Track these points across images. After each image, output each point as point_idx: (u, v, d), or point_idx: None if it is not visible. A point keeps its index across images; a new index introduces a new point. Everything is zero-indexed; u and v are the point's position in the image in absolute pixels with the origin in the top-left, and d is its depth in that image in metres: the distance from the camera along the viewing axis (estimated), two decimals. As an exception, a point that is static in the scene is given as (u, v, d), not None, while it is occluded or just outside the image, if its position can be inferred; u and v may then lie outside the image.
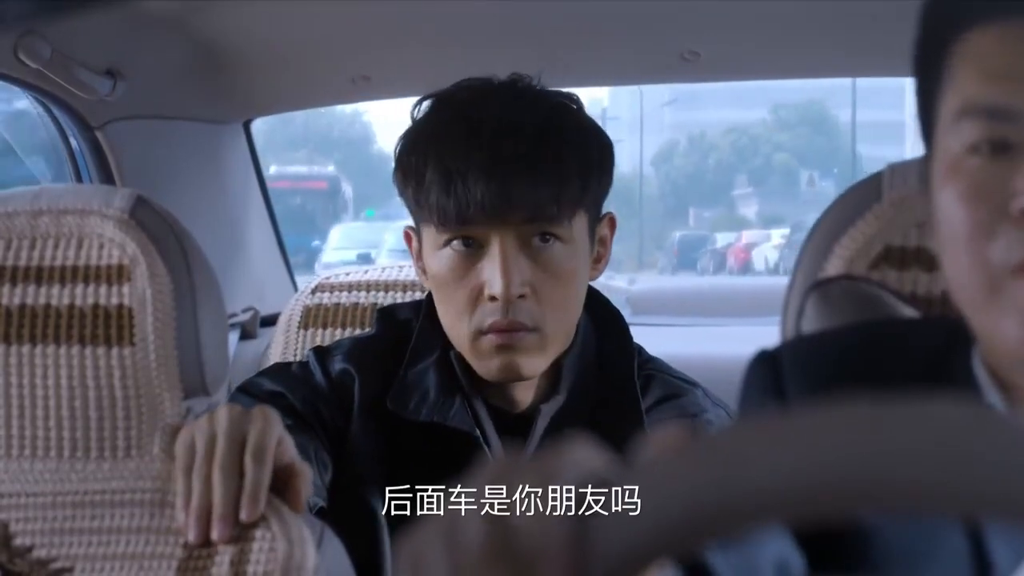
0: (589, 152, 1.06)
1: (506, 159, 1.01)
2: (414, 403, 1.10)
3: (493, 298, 1.03)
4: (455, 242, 1.04)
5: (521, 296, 1.03)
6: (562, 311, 1.07)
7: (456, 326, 1.07)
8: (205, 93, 1.73)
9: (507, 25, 1.56)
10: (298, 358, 1.49)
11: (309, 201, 15.03)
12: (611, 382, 1.12)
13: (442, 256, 1.06)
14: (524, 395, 1.12)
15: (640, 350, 1.18)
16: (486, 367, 1.07)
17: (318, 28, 1.58)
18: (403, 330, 1.16)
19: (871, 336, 0.73)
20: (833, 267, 0.81)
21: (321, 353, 1.17)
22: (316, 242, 13.14)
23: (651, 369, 1.15)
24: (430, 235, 1.07)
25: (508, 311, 1.03)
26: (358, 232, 14.13)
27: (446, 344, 1.11)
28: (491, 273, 1.03)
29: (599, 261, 1.13)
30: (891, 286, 0.80)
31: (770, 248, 16.03)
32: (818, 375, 0.70)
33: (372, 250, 12.76)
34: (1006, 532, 0.60)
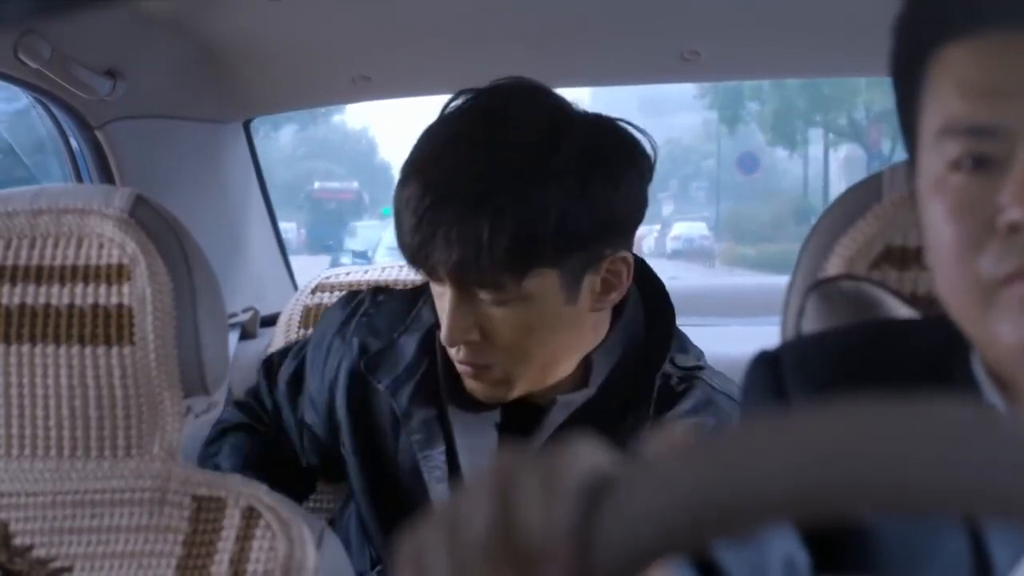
0: (550, 211, 0.96)
1: (432, 217, 0.97)
2: (385, 372, 1.12)
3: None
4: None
5: (468, 342, 1.02)
6: (523, 356, 1.03)
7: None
8: (205, 93, 1.73)
9: (507, 25, 1.56)
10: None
11: (341, 207, 20.74)
12: (644, 383, 1.08)
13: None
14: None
15: (700, 356, 1.14)
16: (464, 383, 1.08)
17: (318, 28, 1.58)
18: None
19: (871, 336, 0.73)
20: (833, 267, 0.81)
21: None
22: (330, 241, 16.94)
23: (696, 376, 1.10)
24: None
25: (458, 351, 1.03)
26: (370, 231, 15.56)
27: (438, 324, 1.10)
28: (444, 313, 1.02)
29: (608, 292, 1.05)
30: (891, 286, 0.80)
31: (651, 239, 19.35)
32: (819, 375, 0.70)
33: (369, 249, 13.28)
34: (1006, 532, 0.60)
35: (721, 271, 16.62)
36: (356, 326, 1.17)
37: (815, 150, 18.52)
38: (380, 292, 1.21)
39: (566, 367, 1.08)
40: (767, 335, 0.83)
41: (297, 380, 1.23)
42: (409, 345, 1.12)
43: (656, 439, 0.40)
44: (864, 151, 17.37)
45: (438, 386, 1.10)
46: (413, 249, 0.99)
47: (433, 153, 1.01)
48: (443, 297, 1.03)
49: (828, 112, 17.18)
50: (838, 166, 19.03)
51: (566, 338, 1.06)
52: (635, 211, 1.04)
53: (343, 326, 1.18)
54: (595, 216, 0.99)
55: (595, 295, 1.04)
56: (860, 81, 15.04)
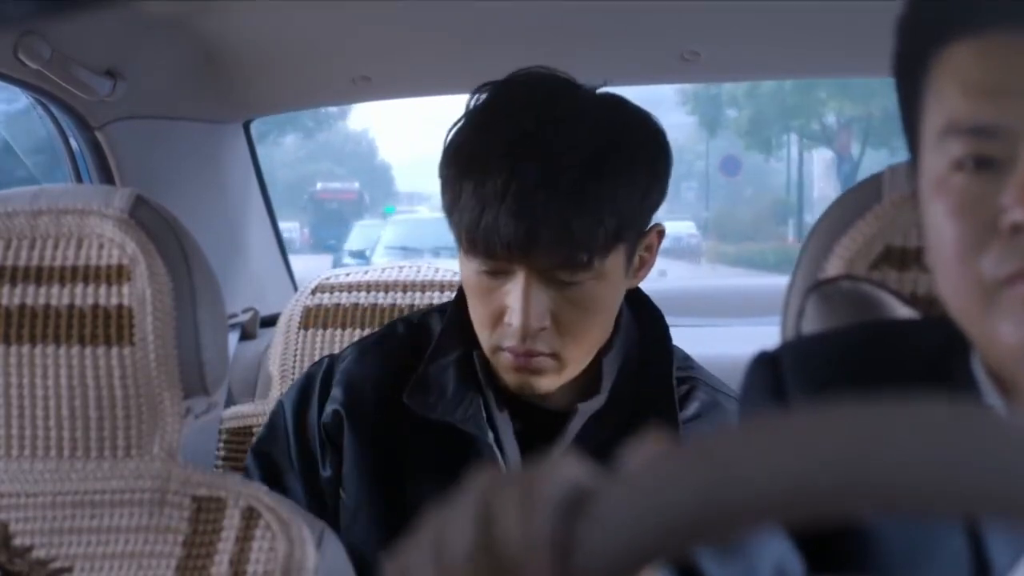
0: (634, 184, 1.01)
1: (538, 203, 0.97)
2: (432, 400, 1.09)
3: (512, 325, 1.02)
4: (481, 264, 1.02)
5: (541, 328, 1.01)
6: (584, 337, 1.05)
7: (480, 333, 1.06)
8: (205, 93, 1.73)
9: (507, 25, 1.56)
10: (298, 359, 1.49)
11: (343, 207, 21.76)
12: (649, 385, 1.09)
13: (470, 269, 1.04)
14: (560, 393, 1.08)
15: (687, 357, 1.15)
16: (505, 378, 1.06)
17: (318, 28, 1.58)
18: (419, 331, 1.16)
19: (871, 337, 0.73)
20: (833, 267, 0.81)
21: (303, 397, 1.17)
22: (332, 241, 17.69)
23: (694, 378, 1.12)
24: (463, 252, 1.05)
25: (526, 340, 1.02)
26: (369, 229, 15.66)
27: (470, 342, 1.09)
28: (513, 302, 1.01)
29: (641, 268, 1.09)
30: (891, 286, 0.80)
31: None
32: (818, 376, 0.70)
33: (367, 248, 13.19)
34: (1006, 532, 0.60)
35: (706, 268, 17.16)
36: (342, 374, 1.14)
37: (796, 153, 19.28)
38: (340, 355, 1.18)
39: (591, 355, 1.08)
40: (767, 335, 0.83)
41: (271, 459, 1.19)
42: (445, 371, 1.10)
43: (635, 448, 0.40)
44: (835, 154, 18.04)
45: (490, 408, 1.09)
46: (508, 239, 0.97)
47: (511, 147, 0.99)
48: (492, 293, 1.02)
49: (801, 118, 18.25)
50: (824, 167, 19.75)
51: (611, 317, 1.08)
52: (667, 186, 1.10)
53: (323, 383, 1.15)
54: (657, 192, 1.05)
55: (635, 269, 1.08)
56: (827, 90, 16.20)
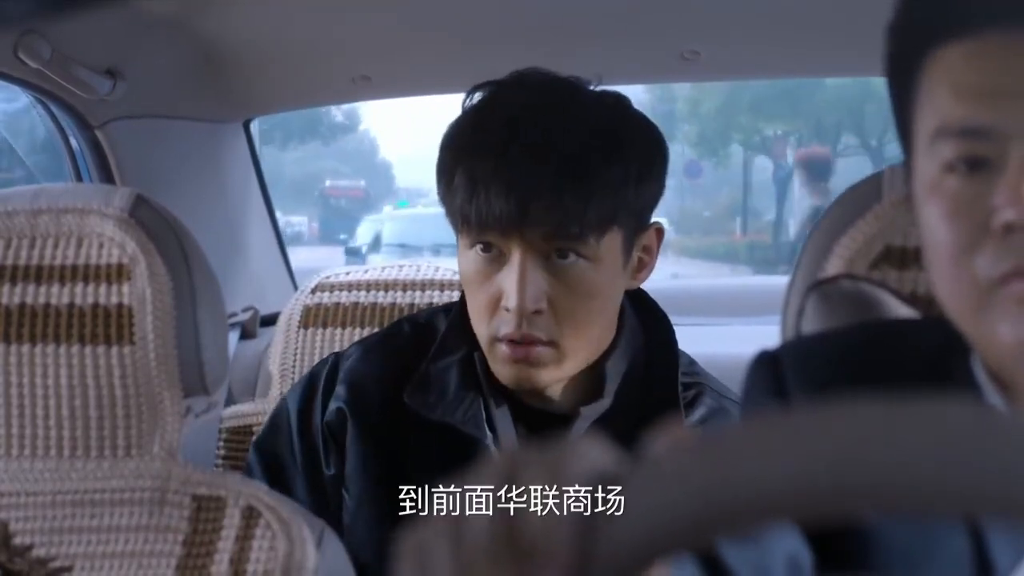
0: (628, 170, 1.02)
1: (530, 176, 0.99)
2: (432, 399, 1.09)
3: (509, 309, 1.02)
4: (478, 246, 1.03)
5: (537, 311, 1.01)
6: (582, 326, 1.04)
7: (478, 327, 1.07)
8: (205, 93, 1.73)
9: (506, 25, 1.56)
10: (298, 358, 1.49)
11: (350, 204, 22.71)
12: (655, 389, 1.09)
13: (468, 257, 1.05)
14: (563, 396, 1.09)
15: (692, 361, 1.15)
16: (501, 373, 1.06)
17: (318, 28, 1.58)
18: (425, 330, 1.17)
19: (871, 336, 0.73)
20: (833, 267, 0.81)
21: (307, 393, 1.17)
22: (341, 236, 18.73)
23: (700, 383, 1.12)
24: (460, 234, 1.07)
25: (522, 324, 1.02)
26: (368, 225, 15.79)
27: (474, 343, 1.09)
28: (508, 285, 1.01)
29: (641, 270, 1.10)
30: (891, 286, 0.80)
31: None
32: (819, 375, 0.70)
33: (364, 246, 13.10)
34: (1007, 533, 0.60)
35: (671, 260, 18.35)
36: (346, 373, 1.15)
37: (760, 160, 21.11)
38: (344, 353, 1.19)
39: (591, 350, 1.08)
40: (767, 335, 0.83)
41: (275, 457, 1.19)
42: (448, 371, 1.11)
43: (659, 439, 0.40)
44: (772, 162, 20.42)
45: (490, 410, 1.09)
46: (500, 210, 0.99)
47: (504, 132, 1.01)
48: (489, 279, 1.03)
49: (743, 132, 20.22)
50: (765, 173, 21.62)
51: (611, 311, 1.08)
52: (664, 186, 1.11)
53: (328, 380, 1.16)
54: (653, 185, 1.07)
55: (634, 269, 1.09)
56: (746, 115, 18.52)
